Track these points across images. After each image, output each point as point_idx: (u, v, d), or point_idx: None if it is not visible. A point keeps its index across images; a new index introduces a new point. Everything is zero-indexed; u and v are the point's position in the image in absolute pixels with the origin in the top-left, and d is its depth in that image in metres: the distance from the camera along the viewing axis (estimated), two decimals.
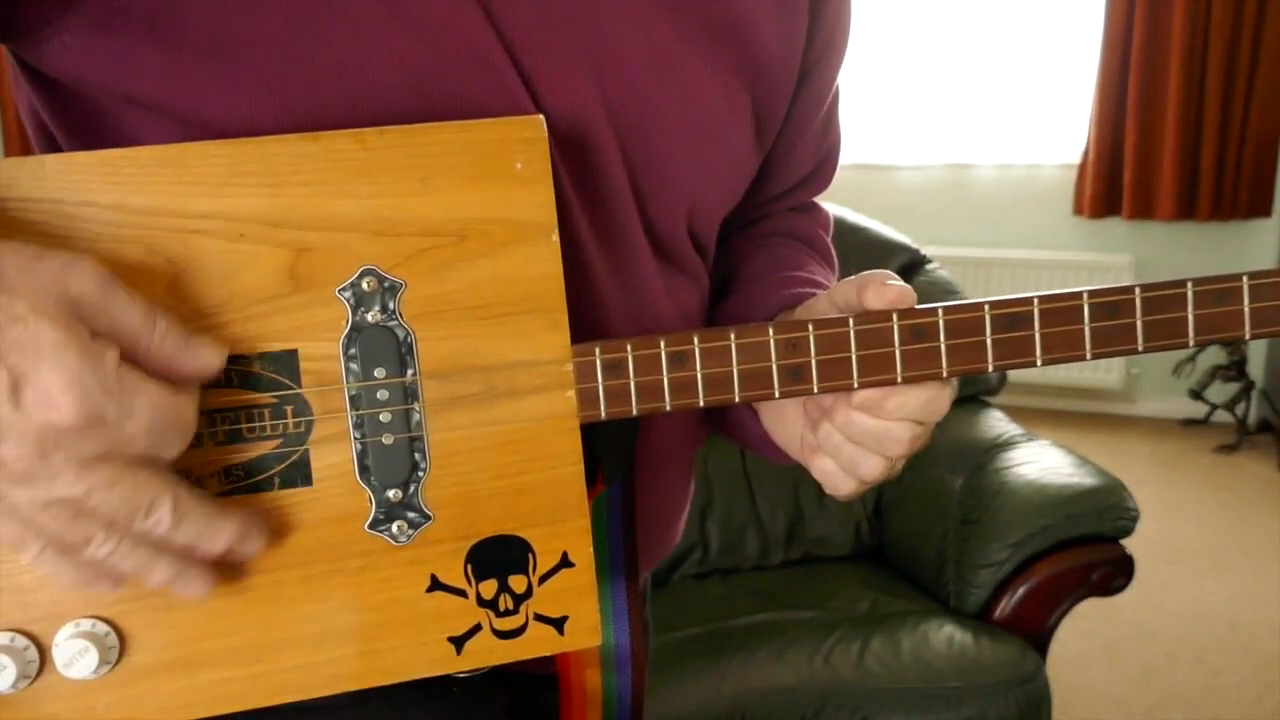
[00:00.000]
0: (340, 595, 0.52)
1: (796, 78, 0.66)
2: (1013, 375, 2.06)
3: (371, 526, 0.52)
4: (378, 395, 0.51)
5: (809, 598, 1.70)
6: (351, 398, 0.51)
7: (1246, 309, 0.56)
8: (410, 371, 0.51)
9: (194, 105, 0.51)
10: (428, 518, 0.53)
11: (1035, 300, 0.55)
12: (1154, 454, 3.60)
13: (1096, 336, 0.56)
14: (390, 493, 0.52)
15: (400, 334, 0.51)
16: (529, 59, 0.54)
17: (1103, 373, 3.88)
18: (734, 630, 1.60)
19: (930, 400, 0.56)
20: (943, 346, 0.55)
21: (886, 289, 0.54)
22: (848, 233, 1.99)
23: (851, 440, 0.58)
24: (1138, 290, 0.56)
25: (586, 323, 0.58)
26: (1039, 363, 0.56)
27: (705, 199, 0.64)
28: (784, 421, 0.64)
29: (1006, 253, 3.93)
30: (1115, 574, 1.63)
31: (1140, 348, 0.56)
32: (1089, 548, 1.63)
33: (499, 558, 0.53)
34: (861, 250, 1.98)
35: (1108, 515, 1.64)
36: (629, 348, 0.54)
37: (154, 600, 0.50)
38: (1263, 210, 3.69)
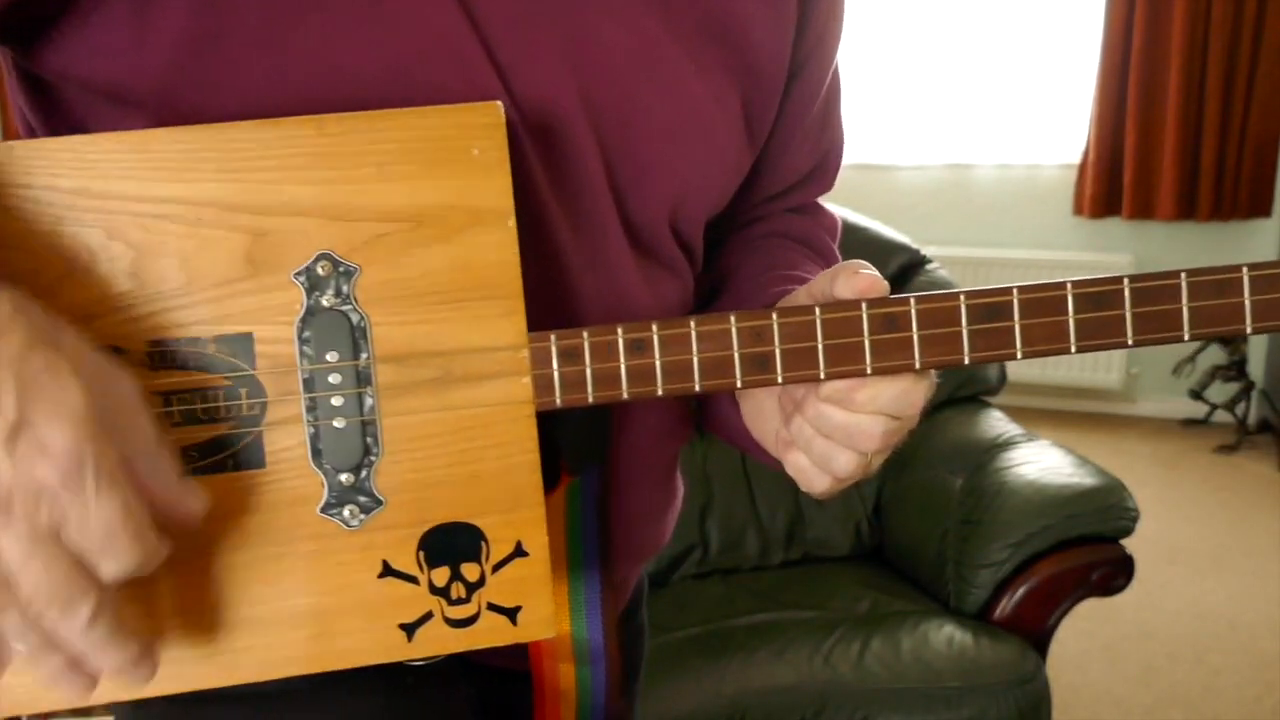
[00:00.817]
0: (292, 578, 0.52)
1: (786, 75, 0.66)
2: (1012, 375, 2.05)
3: (324, 510, 0.52)
4: (330, 379, 0.51)
5: (809, 598, 1.70)
6: (305, 381, 0.51)
7: (1248, 301, 0.54)
8: (364, 356, 0.52)
9: (167, 96, 0.52)
10: (380, 503, 0.52)
11: (1015, 290, 0.54)
12: (1154, 454, 3.60)
13: (1082, 329, 0.54)
14: (343, 476, 0.52)
15: (354, 318, 0.51)
16: (502, 49, 0.54)
17: (1103, 372, 3.88)
18: (734, 630, 1.60)
19: (904, 393, 0.55)
20: (915, 337, 0.54)
21: (857, 277, 0.54)
22: (848, 232, 1.98)
23: (823, 434, 0.56)
24: (1126, 281, 0.54)
25: (558, 312, 0.58)
26: (1019, 355, 0.54)
27: (690, 196, 0.63)
28: (763, 417, 0.64)
29: (1006, 253, 3.93)
30: (1115, 574, 1.63)
31: (1130, 340, 0.54)
32: (1089, 548, 1.63)
33: (452, 545, 0.53)
34: (861, 250, 1.97)
35: (1108, 515, 1.64)
36: (585, 335, 0.53)
37: None
38: (1263, 210, 3.69)
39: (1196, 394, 3.73)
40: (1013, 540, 1.63)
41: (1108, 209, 3.82)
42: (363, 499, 0.52)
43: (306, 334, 0.51)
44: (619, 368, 0.53)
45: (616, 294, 0.61)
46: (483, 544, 0.53)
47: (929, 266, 2.04)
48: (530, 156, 0.56)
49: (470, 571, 0.53)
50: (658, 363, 0.54)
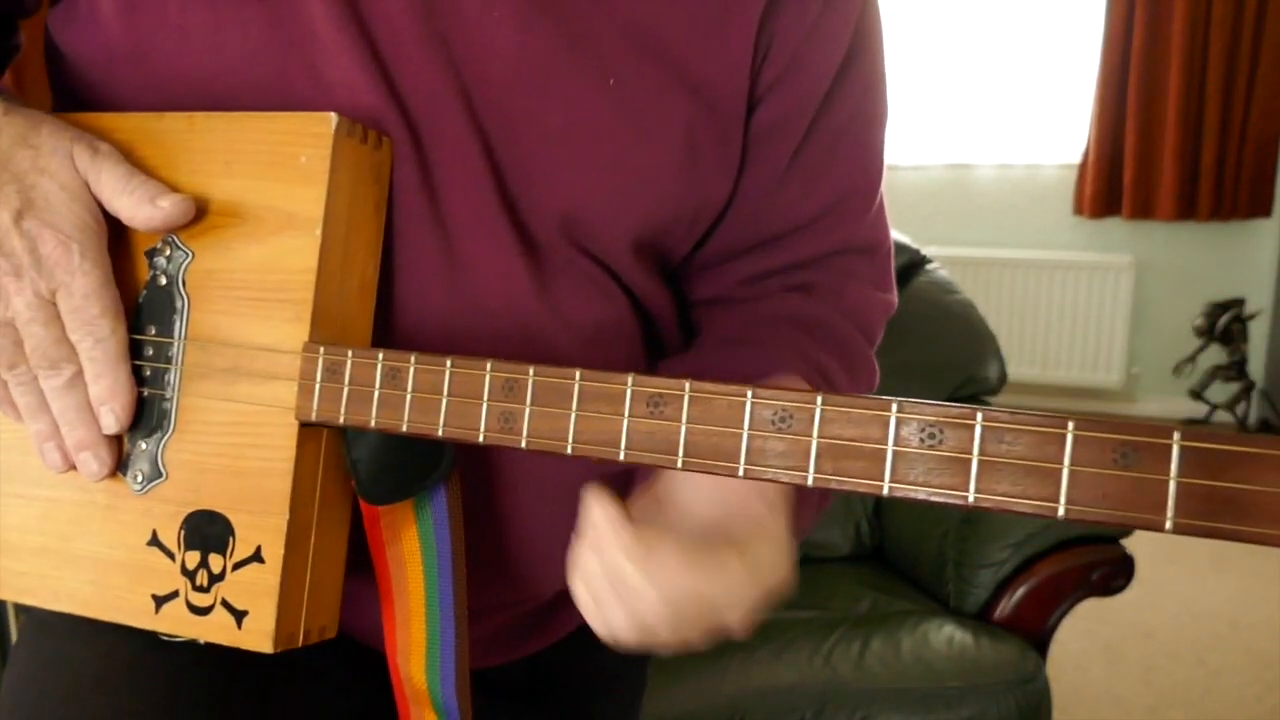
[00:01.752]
0: (87, 525, 0.57)
1: (745, 101, 0.62)
2: (1012, 375, 2.05)
3: (120, 468, 0.56)
4: (146, 351, 0.56)
5: (809, 598, 1.70)
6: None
7: (1173, 484, 0.35)
8: (177, 335, 0.56)
9: (95, 75, 0.59)
10: (161, 474, 0.56)
11: (818, 399, 0.42)
12: None
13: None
14: (140, 442, 0.56)
15: (176, 301, 0.56)
16: (387, 44, 0.55)
17: (1103, 372, 3.88)
18: None
19: (707, 585, 0.47)
20: (682, 428, 0.44)
21: None
22: None
23: (604, 572, 0.49)
24: (895, 409, 0.39)
25: (407, 310, 0.58)
26: (810, 479, 0.42)
27: (589, 211, 0.60)
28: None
29: (1006, 253, 3.93)
30: (1115, 574, 1.63)
31: (969, 500, 0.38)
32: (1089, 548, 1.63)
33: (206, 533, 0.55)
34: None
35: None
36: (350, 354, 0.52)
37: None
38: (1263, 210, 3.69)
39: (1197, 394, 3.73)
40: (1013, 540, 1.63)
41: (1108, 209, 3.82)
42: (148, 467, 0.56)
43: (139, 306, 0.56)
44: (373, 393, 0.52)
45: (488, 299, 0.59)
46: (231, 540, 0.54)
47: (929, 266, 2.04)
48: (407, 154, 0.56)
49: (215, 563, 0.54)
50: (408, 395, 0.51)
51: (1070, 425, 0.37)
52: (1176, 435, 0.35)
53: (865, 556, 1.89)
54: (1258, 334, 3.75)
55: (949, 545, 1.72)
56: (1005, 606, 1.61)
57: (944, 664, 1.49)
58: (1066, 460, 0.37)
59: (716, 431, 0.44)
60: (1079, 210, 3.87)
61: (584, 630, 0.77)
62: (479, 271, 0.58)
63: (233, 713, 0.61)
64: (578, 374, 0.47)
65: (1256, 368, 3.77)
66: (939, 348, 1.94)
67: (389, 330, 0.58)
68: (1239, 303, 3.67)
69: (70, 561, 0.57)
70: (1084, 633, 2.37)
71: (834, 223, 0.67)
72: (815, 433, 0.42)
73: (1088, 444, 0.37)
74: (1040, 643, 1.60)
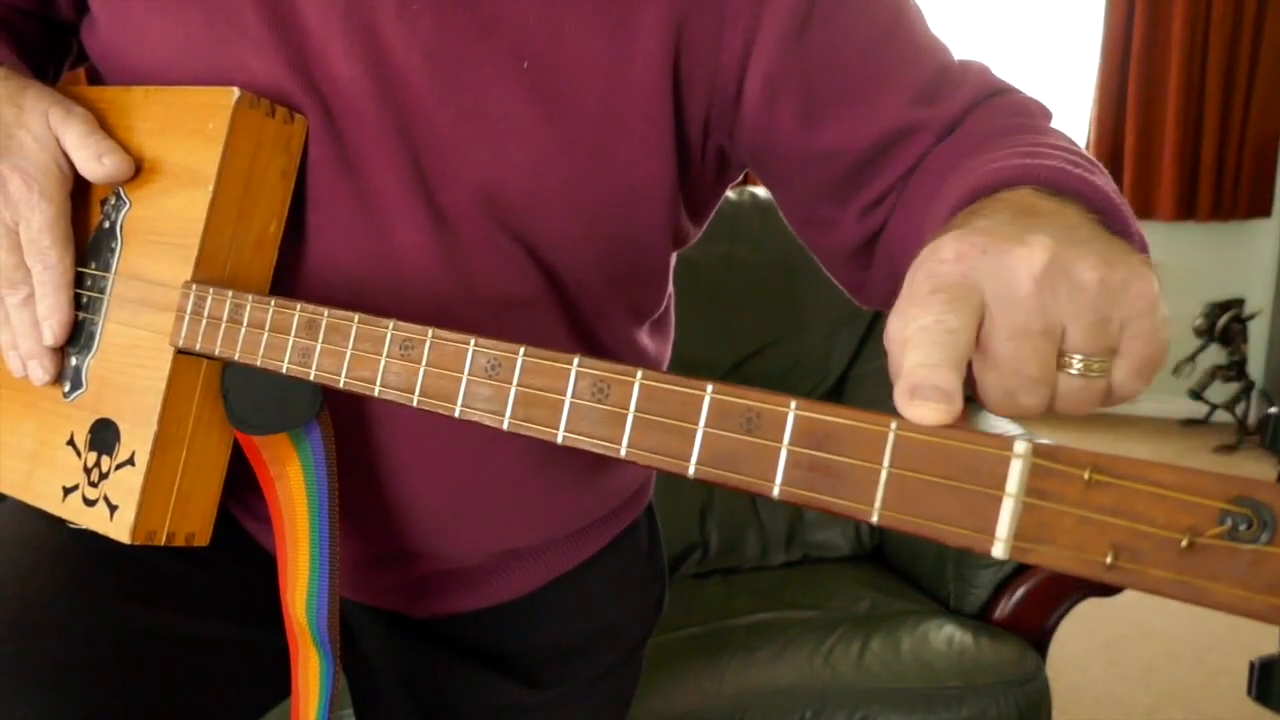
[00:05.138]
0: (30, 422, 0.69)
1: (668, 90, 0.63)
2: None
3: (61, 378, 0.67)
4: (86, 282, 0.67)
5: (809, 598, 1.70)
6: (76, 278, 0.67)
7: (784, 451, 0.37)
8: (111, 271, 0.66)
9: (100, 70, 0.71)
10: (83, 385, 0.66)
11: (521, 350, 0.46)
12: (1154, 454, 3.59)
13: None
14: (73, 358, 0.67)
15: (114, 243, 0.66)
16: (309, 38, 0.62)
17: None
18: (734, 630, 1.60)
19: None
20: (422, 370, 0.50)
21: None
22: None
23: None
24: (640, 375, 0.41)
25: (322, 273, 0.65)
26: (506, 424, 0.46)
27: (505, 186, 0.64)
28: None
29: None
30: None
31: (620, 453, 0.42)
32: None
33: (104, 437, 0.64)
34: None
35: None
36: (210, 292, 0.60)
37: None
38: (1263, 210, 3.69)
39: (1196, 394, 3.73)
40: None
41: None
42: (75, 379, 0.67)
43: (90, 245, 0.67)
44: (220, 326, 0.59)
45: (400, 267, 0.65)
46: (117, 445, 0.63)
47: None
48: (325, 132, 0.64)
49: (105, 464, 0.64)
50: (243, 329, 0.58)
51: (709, 388, 0.39)
52: (793, 404, 0.37)
53: (865, 556, 1.89)
54: (1257, 334, 3.75)
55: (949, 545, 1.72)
56: (1005, 606, 1.62)
57: (944, 664, 1.49)
58: (702, 421, 0.39)
59: (444, 375, 0.49)
60: None
61: (536, 600, 0.80)
62: (394, 242, 0.65)
63: (121, 570, 0.68)
64: (356, 317, 0.53)
65: (1256, 368, 3.77)
66: None
67: (303, 288, 0.66)
68: (1239, 303, 3.67)
69: (12, 451, 0.69)
70: (1084, 633, 2.37)
71: (939, 96, 0.63)
72: (515, 380, 0.46)
73: (721, 408, 0.39)
74: (1040, 643, 1.60)
